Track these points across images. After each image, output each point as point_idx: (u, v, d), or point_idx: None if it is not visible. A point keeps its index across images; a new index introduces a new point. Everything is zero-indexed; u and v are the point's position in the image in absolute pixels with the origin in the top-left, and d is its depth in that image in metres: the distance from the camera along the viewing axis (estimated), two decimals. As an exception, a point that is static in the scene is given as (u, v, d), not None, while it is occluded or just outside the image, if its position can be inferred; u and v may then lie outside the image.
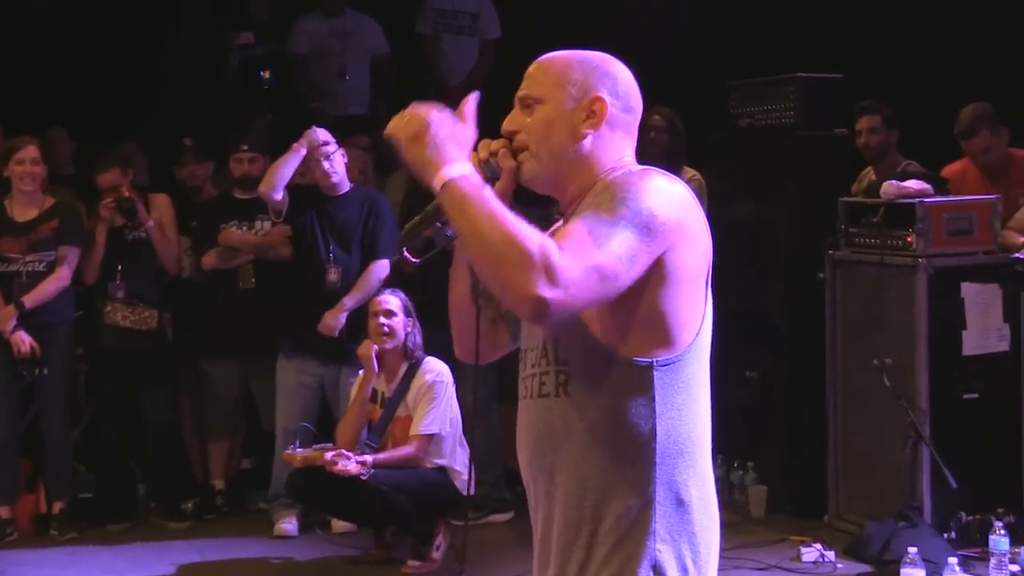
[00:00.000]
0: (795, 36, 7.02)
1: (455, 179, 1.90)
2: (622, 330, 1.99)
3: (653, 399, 2.01)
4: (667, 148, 6.23)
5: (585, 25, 6.53)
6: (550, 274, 1.84)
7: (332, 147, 5.74)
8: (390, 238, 5.72)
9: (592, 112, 2.09)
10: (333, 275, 5.71)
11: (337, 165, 5.75)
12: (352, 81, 7.46)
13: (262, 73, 7.34)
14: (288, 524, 5.68)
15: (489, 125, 2.14)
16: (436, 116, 1.96)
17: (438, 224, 2.07)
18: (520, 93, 2.13)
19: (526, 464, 2.14)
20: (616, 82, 2.12)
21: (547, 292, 1.84)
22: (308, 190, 5.96)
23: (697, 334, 2.05)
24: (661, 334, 2.01)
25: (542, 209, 2.41)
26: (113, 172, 5.87)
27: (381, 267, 5.72)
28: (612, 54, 2.16)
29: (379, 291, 5.42)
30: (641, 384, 2.00)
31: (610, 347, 2.00)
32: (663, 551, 2.02)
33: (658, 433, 2.01)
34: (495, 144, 2.11)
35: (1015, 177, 5.59)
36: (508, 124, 2.12)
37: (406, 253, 2.12)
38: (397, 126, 1.98)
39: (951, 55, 6.56)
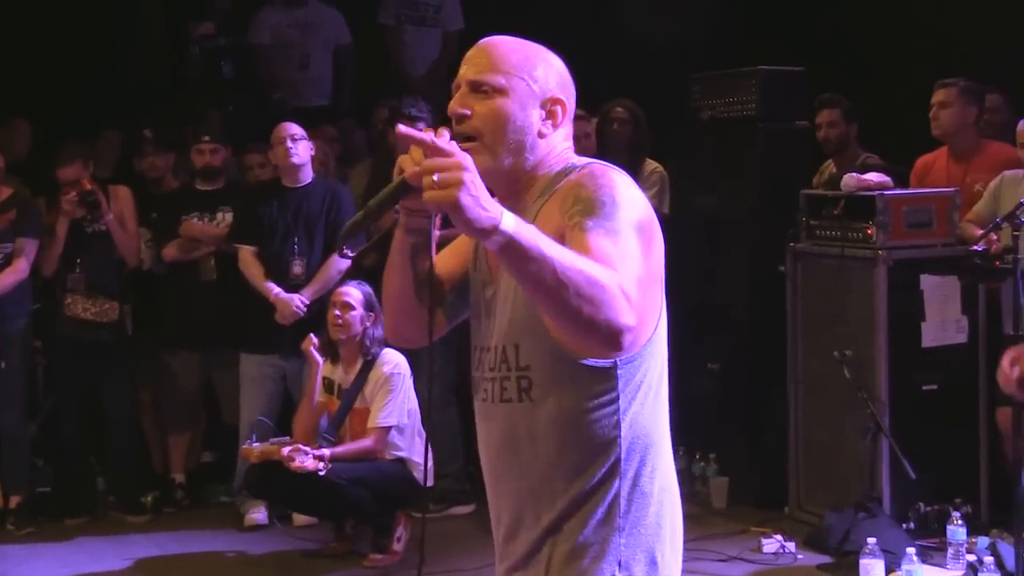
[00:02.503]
0: (757, 28, 7.05)
1: (514, 233, 1.78)
2: None
3: (617, 397, 2.00)
4: (630, 141, 6.25)
5: (547, 17, 6.52)
6: (629, 301, 1.82)
7: (299, 135, 5.72)
8: None
9: (552, 113, 2.06)
10: (297, 267, 5.69)
11: (301, 150, 5.72)
12: (314, 72, 7.42)
13: (223, 64, 7.29)
14: (258, 514, 5.65)
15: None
16: (464, 163, 1.78)
17: (394, 213, 2.01)
18: (472, 76, 2.04)
19: (489, 469, 2.13)
20: (561, 77, 2.09)
21: (630, 319, 1.81)
22: (270, 183, 5.93)
23: (655, 328, 2.05)
24: None
25: None
26: (75, 166, 5.80)
27: (341, 259, 5.70)
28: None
29: (344, 282, 5.40)
30: (604, 384, 1.99)
31: (576, 351, 1.97)
32: (629, 546, 2.02)
33: (622, 430, 2.01)
34: (439, 136, 2.03)
35: (979, 165, 5.62)
36: (458, 106, 2.03)
37: (345, 249, 2.08)
38: (429, 192, 1.77)
39: (911, 48, 6.61)
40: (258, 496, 5.59)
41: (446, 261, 2.19)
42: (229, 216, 5.99)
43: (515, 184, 2.07)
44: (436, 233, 2.05)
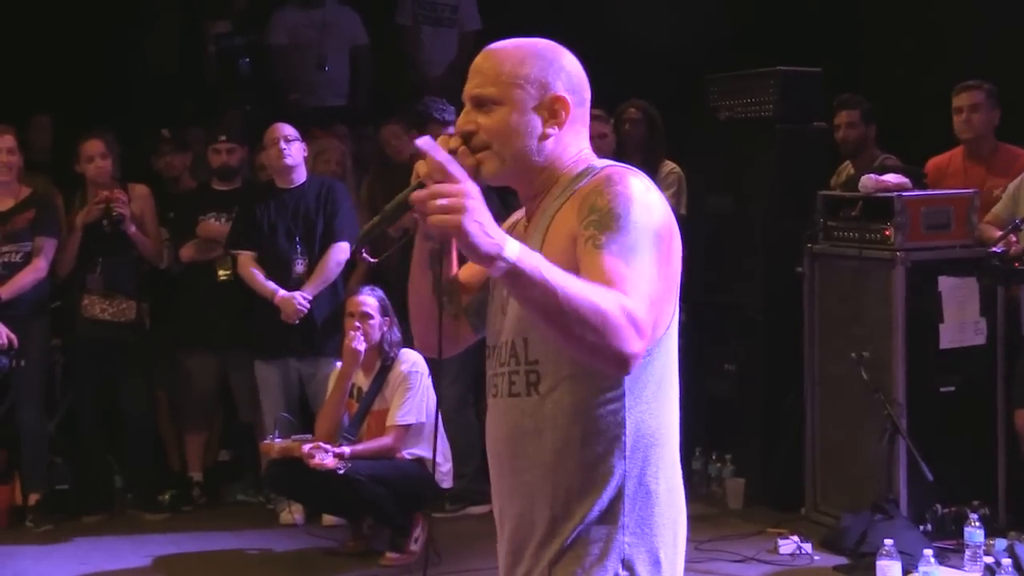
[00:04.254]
0: (775, 29, 7.04)
1: (517, 260, 1.80)
2: None
3: (623, 394, 2.01)
4: (644, 141, 6.25)
5: (564, 18, 6.52)
6: (637, 328, 1.85)
7: (293, 136, 5.73)
8: (347, 220, 5.72)
9: (554, 112, 2.08)
10: (300, 266, 5.71)
11: (294, 151, 5.73)
12: (331, 72, 7.43)
13: (242, 62, 7.31)
14: (297, 515, 5.65)
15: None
16: (469, 191, 1.81)
17: (399, 223, 2.01)
18: (472, 92, 2.09)
19: (495, 463, 2.14)
20: (570, 76, 2.10)
21: (637, 346, 1.85)
22: (263, 186, 5.94)
23: (668, 327, 2.05)
24: None
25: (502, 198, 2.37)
26: (98, 141, 5.80)
27: (340, 250, 5.71)
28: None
29: (358, 290, 5.40)
30: (612, 380, 2.00)
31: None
32: (633, 544, 2.02)
33: (627, 427, 2.02)
34: (452, 142, 2.07)
35: (996, 168, 5.60)
36: (463, 124, 2.09)
37: (364, 253, 2.10)
38: (434, 215, 1.79)
39: (930, 49, 6.59)
40: (277, 492, 5.61)
41: (472, 268, 2.21)
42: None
43: (533, 183, 2.10)
44: None
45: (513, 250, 1.81)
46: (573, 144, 2.10)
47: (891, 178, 5.37)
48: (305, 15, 7.43)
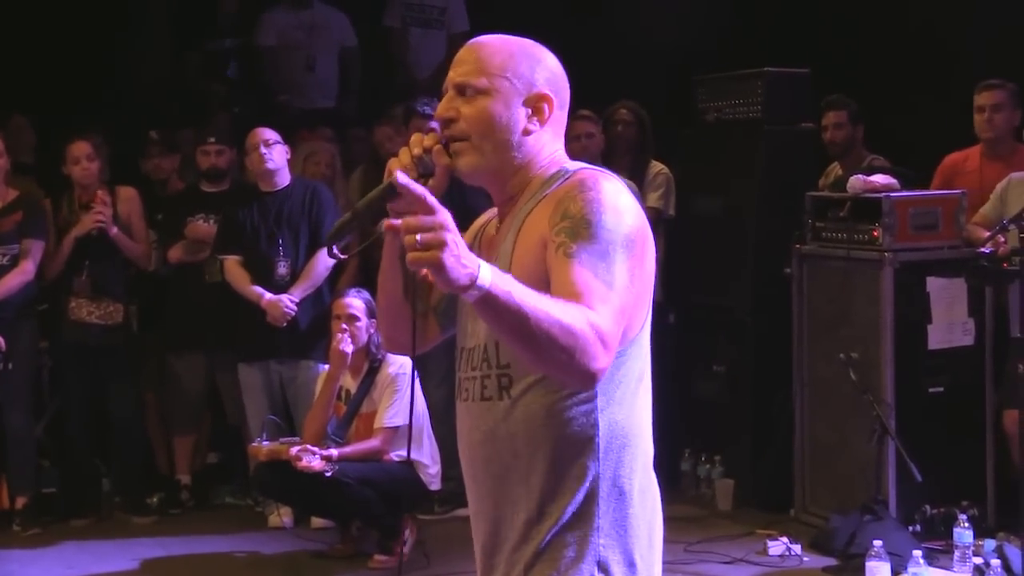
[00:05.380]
0: (762, 30, 7.05)
1: (491, 287, 1.79)
2: None
3: (595, 395, 2.00)
4: (634, 142, 6.25)
5: (551, 19, 6.52)
6: (604, 343, 1.85)
7: (274, 139, 5.73)
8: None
9: (538, 108, 2.07)
10: (282, 268, 5.70)
11: (276, 155, 5.73)
12: (319, 74, 7.43)
13: (228, 65, 7.30)
14: (286, 518, 5.64)
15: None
16: (445, 223, 1.78)
17: (375, 222, 2.00)
18: (458, 79, 2.07)
19: (468, 467, 2.13)
20: (555, 77, 2.10)
21: (604, 361, 1.86)
22: (249, 187, 5.93)
23: (641, 328, 2.05)
24: None
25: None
26: (86, 143, 5.79)
27: (326, 255, 5.69)
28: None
29: (345, 292, 5.39)
30: (585, 392, 2.00)
31: None
32: (607, 546, 2.01)
33: (600, 428, 2.01)
34: (428, 139, 2.05)
35: (1015, 168, 5.55)
36: (444, 111, 2.07)
37: (335, 250, 2.06)
38: (412, 252, 1.77)
39: (919, 50, 6.60)
40: (265, 495, 5.59)
41: None
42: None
43: (507, 183, 2.09)
44: None
45: (486, 277, 1.79)
46: (549, 145, 2.09)
47: (879, 179, 5.38)
48: (294, 17, 7.42)
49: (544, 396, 2.00)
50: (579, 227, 1.93)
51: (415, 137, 2.07)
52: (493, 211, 2.20)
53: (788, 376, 5.62)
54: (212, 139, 6.13)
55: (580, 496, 2.00)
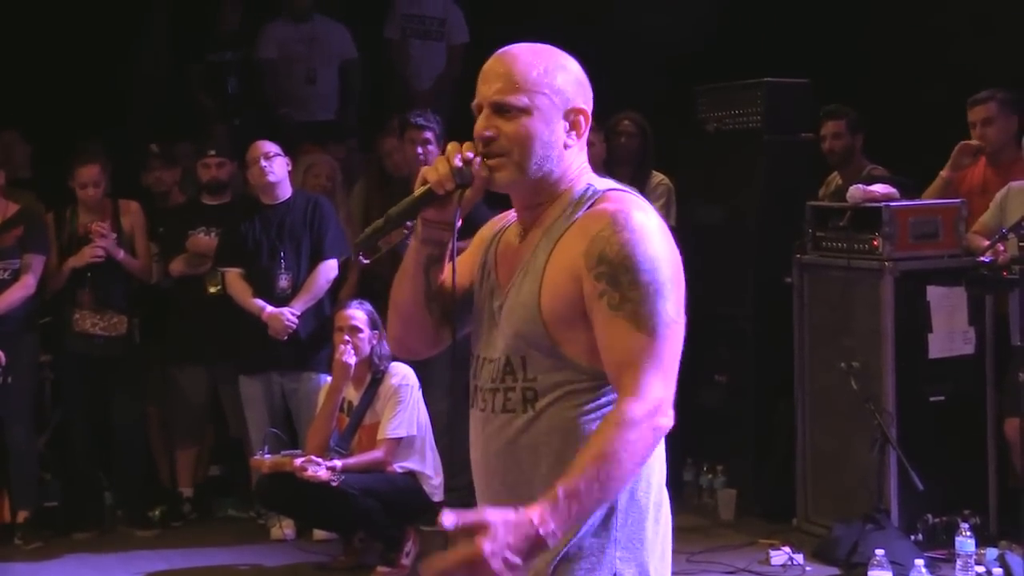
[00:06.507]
0: (762, 40, 7.06)
1: (554, 520, 1.86)
2: (595, 349, 1.99)
3: None
4: (637, 153, 6.27)
5: (551, 29, 6.52)
6: (663, 413, 1.95)
7: (274, 152, 5.73)
8: (336, 238, 5.73)
9: (575, 123, 2.07)
10: (283, 281, 5.70)
11: (276, 168, 5.73)
12: (320, 87, 7.44)
13: (229, 79, 7.32)
14: (287, 530, 5.63)
15: (458, 129, 2.11)
16: (489, 536, 1.84)
17: (403, 230, 2.05)
18: (495, 97, 2.04)
19: (483, 478, 2.14)
20: (585, 87, 2.10)
21: (667, 423, 1.96)
22: (251, 200, 5.94)
23: None
24: None
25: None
26: (95, 167, 5.82)
27: (329, 267, 5.73)
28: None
29: (347, 304, 5.40)
30: (608, 396, 2.01)
31: (581, 364, 2.01)
32: (624, 559, 2.02)
33: None
34: (467, 149, 2.05)
35: (1019, 174, 5.56)
36: (484, 128, 2.05)
37: (361, 256, 2.07)
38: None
39: (918, 59, 6.61)
40: (268, 508, 5.59)
41: (457, 272, 2.18)
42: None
43: (537, 195, 2.09)
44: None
45: (543, 522, 1.84)
46: (578, 158, 2.10)
47: (879, 188, 5.38)
48: (295, 29, 7.43)
49: (568, 409, 2.02)
50: (619, 273, 1.96)
51: (451, 146, 2.05)
52: (509, 216, 2.19)
53: (789, 385, 5.62)
54: (212, 152, 6.14)
55: (600, 509, 1.99)
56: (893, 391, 5.16)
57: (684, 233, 6.21)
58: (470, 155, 2.04)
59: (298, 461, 5.04)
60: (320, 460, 5.05)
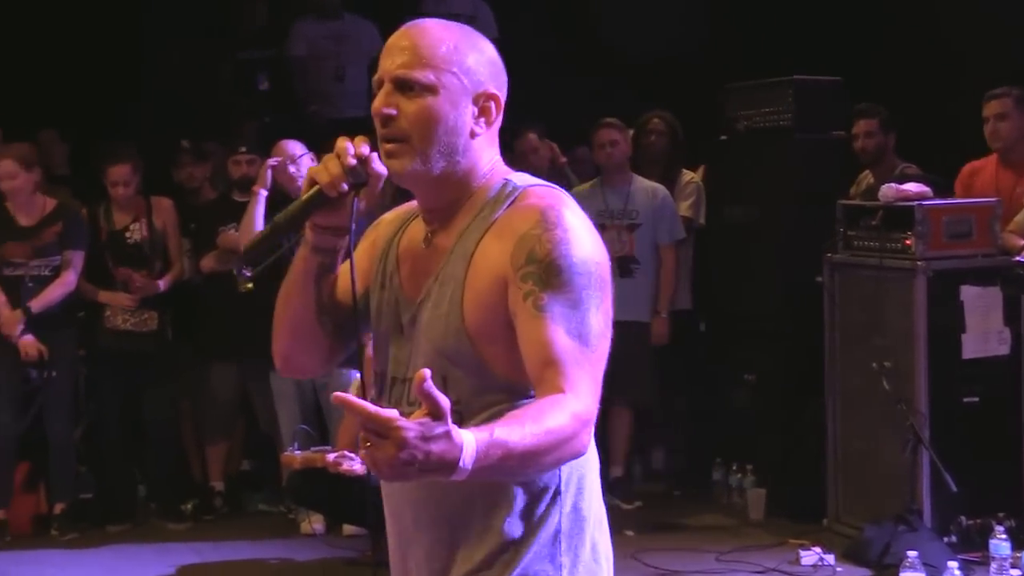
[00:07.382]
0: (793, 38, 7.02)
1: (473, 463, 1.61)
2: (522, 366, 1.79)
3: None
4: (666, 152, 6.25)
5: (581, 29, 6.52)
6: (586, 424, 1.73)
7: (300, 153, 5.74)
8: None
9: (485, 109, 1.86)
10: None
11: (304, 169, 5.74)
12: (349, 84, 7.46)
13: (259, 76, 7.35)
14: (317, 524, 5.66)
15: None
16: (408, 443, 1.58)
17: (287, 239, 1.89)
18: (398, 72, 1.83)
19: (402, 514, 1.97)
20: (499, 72, 1.89)
21: (588, 438, 1.74)
22: (280, 195, 5.96)
23: None
24: None
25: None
26: (126, 166, 5.87)
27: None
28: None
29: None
30: None
31: (510, 383, 1.82)
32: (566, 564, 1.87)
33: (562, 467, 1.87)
34: (359, 145, 1.86)
35: None
36: (383, 105, 1.84)
37: (244, 272, 1.89)
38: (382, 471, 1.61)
39: (949, 57, 6.56)
40: (299, 503, 5.61)
41: (344, 285, 1.96)
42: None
43: (447, 193, 1.88)
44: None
45: (466, 453, 1.59)
46: (488, 151, 1.89)
47: (912, 187, 5.34)
48: (323, 27, 7.46)
49: None
50: (547, 274, 1.76)
51: (341, 143, 1.86)
52: (407, 209, 1.99)
53: (820, 385, 5.59)
54: (243, 148, 6.17)
55: (543, 528, 1.85)
56: (926, 392, 5.11)
57: (714, 232, 6.23)
58: (365, 150, 1.85)
59: (331, 456, 5.05)
60: (354, 455, 5.05)
